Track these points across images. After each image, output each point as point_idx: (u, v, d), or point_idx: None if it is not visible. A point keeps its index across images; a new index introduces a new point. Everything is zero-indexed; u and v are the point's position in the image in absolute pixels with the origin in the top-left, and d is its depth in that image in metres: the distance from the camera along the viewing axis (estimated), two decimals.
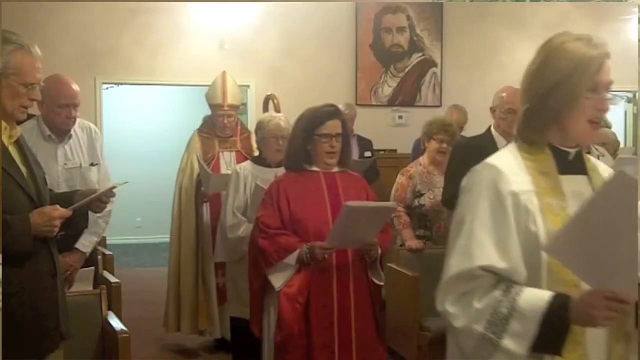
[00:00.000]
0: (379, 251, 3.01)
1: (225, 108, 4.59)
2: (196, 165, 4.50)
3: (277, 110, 5.60)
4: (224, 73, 4.71)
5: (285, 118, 3.93)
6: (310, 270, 2.90)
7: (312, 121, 3.00)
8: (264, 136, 3.89)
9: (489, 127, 3.80)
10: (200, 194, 4.52)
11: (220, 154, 4.59)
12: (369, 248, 2.96)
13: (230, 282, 4.14)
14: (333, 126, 2.99)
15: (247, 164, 3.95)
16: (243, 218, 3.76)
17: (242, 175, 3.82)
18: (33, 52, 2.23)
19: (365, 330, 2.97)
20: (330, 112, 3.02)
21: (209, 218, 4.52)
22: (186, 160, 4.64)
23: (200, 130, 4.71)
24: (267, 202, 3.01)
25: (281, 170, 3.26)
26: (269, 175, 3.62)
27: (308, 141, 3.00)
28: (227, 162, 4.55)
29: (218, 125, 4.62)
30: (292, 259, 2.88)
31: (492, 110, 3.78)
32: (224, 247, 3.99)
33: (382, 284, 3.11)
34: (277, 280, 2.91)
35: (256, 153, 4.24)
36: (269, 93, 6.09)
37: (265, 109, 5.89)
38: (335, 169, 3.08)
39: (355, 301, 2.94)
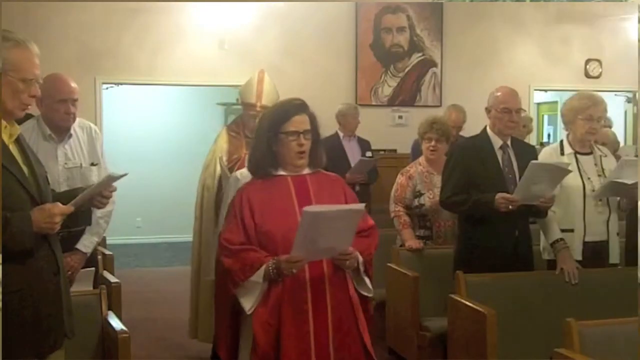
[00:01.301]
0: (359, 259, 2.65)
1: (258, 109, 4.18)
2: (219, 166, 4.25)
3: None
4: (261, 71, 4.40)
5: None
6: (281, 288, 2.57)
7: (277, 118, 2.68)
8: None
9: (485, 128, 3.76)
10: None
11: (247, 156, 4.35)
12: (344, 258, 2.58)
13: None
14: (300, 122, 2.66)
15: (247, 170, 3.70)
16: None
17: (242, 182, 3.43)
18: (30, 48, 2.22)
19: (349, 351, 2.64)
20: (296, 106, 2.70)
21: None
22: (210, 158, 4.36)
23: (229, 128, 4.47)
24: (230, 216, 2.70)
25: None
26: None
27: (273, 141, 2.67)
28: None
29: (248, 126, 4.25)
30: (259, 276, 2.55)
31: (488, 110, 3.72)
32: None
33: (370, 295, 2.75)
34: (247, 301, 2.58)
35: None
36: None
37: None
38: (306, 171, 2.74)
39: (334, 320, 2.60)
